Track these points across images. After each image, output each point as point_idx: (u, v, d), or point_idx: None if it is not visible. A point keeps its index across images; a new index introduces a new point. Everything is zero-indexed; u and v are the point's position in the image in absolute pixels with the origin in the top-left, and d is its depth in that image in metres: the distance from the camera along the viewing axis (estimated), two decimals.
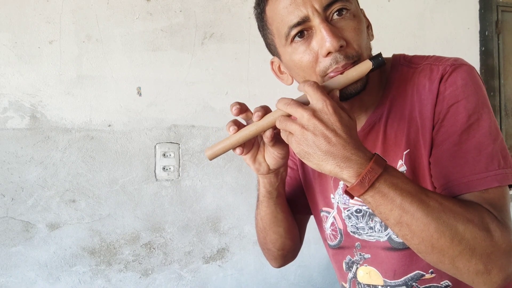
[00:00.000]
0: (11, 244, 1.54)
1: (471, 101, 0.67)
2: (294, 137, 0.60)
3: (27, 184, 1.55)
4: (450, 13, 2.08)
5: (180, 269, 1.71)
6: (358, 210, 0.79)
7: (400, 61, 0.77)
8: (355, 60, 0.68)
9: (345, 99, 0.70)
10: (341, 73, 0.66)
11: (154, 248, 1.68)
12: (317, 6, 0.66)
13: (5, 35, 1.54)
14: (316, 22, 0.67)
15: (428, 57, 0.75)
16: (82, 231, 1.60)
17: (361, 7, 0.77)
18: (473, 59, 2.11)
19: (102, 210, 1.62)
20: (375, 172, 0.56)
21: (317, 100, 0.59)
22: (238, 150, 0.70)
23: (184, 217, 1.71)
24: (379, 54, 0.66)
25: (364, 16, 0.77)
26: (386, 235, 0.76)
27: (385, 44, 1.91)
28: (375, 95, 0.77)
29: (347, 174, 0.57)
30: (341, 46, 0.66)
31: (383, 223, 0.75)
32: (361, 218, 0.79)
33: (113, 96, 1.64)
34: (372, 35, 0.77)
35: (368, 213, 0.78)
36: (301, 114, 0.58)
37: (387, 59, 0.79)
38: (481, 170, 0.63)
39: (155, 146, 1.68)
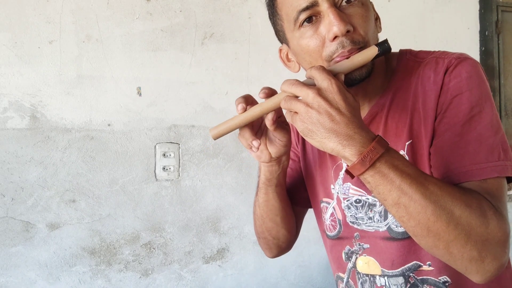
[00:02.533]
0: (11, 244, 1.54)
1: (474, 93, 0.67)
2: (298, 116, 0.60)
3: (27, 184, 1.55)
4: (450, 13, 2.08)
5: (180, 269, 1.71)
6: (357, 200, 0.80)
7: (406, 55, 0.79)
8: (361, 46, 0.69)
9: (349, 85, 0.70)
10: (347, 58, 0.67)
11: (154, 248, 1.68)
12: None
13: (5, 35, 1.54)
14: (325, 6, 0.68)
15: (434, 52, 0.76)
16: (82, 231, 1.60)
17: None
18: None
19: (102, 210, 1.62)
20: (377, 151, 0.57)
21: (322, 80, 0.60)
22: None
23: (184, 217, 1.71)
24: (385, 40, 0.66)
25: (373, 9, 0.78)
26: (385, 225, 0.77)
27: None
28: (379, 85, 0.77)
29: (349, 152, 0.58)
30: (348, 31, 0.68)
31: (382, 213, 0.77)
32: (360, 208, 0.79)
33: (113, 96, 1.65)
34: (380, 28, 0.78)
35: (367, 203, 0.78)
36: (306, 93, 0.59)
37: (393, 53, 0.80)
38: (481, 160, 0.64)
39: (155, 146, 1.68)
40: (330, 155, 0.84)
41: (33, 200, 1.56)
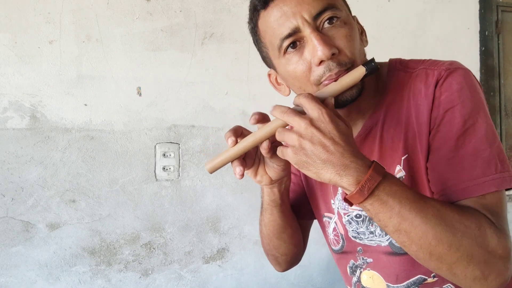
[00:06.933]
0: (11, 244, 1.54)
1: (466, 106, 0.66)
2: (290, 148, 0.60)
3: (27, 184, 1.55)
4: (450, 13, 2.08)
5: (180, 269, 1.71)
6: (358, 215, 0.79)
7: (397, 65, 0.77)
8: (348, 67, 0.68)
9: (342, 106, 0.70)
10: (335, 81, 0.66)
11: (154, 248, 1.68)
12: (306, 17, 0.67)
13: (5, 35, 1.54)
14: (307, 32, 0.67)
15: (424, 61, 0.75)
16: (82, 231, 1.60)
17: (355, 13, 0.77)
18: (473, 59, 2.11)
19: (102, 210, 1.62)
20: (374, 180, 0.56)
21: (312, 110, 0.58)
22: (238, 169, 0.70)
23: (184, 217, 1.71)
24: (372, 60, 0.65)
25: (358, 22, 0.77)
26: (387, 240, 0.76)
27: (385, 44, 1.91)
28: (371, 100, 0.77)
29: (347, 182, 0.57)
30: (333, 54, 0.67)
31: None
32: (361, 223, 0.79)
33: (113, 96, 1.64)
34: (366, 41, 0.77)
35: (368, 218, 0.78)
36: (298, 123, 0.58)
37: (383, 63, 0.79)
38: (478, 175, 0.63)
39: (155, 146, 1.68)
40: None
41: (33, 200, 1.56)
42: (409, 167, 0.71)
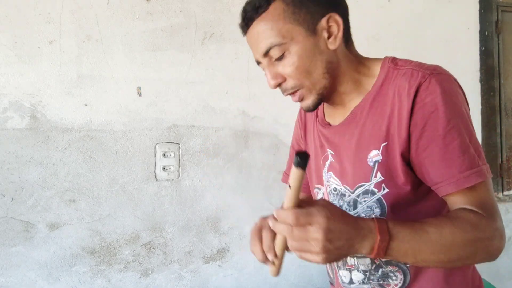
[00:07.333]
0: (11, 244, 1.54)
1: (449, 107, 0.75)
2: (314, 254, 0.65)
3: (27, 184, 1.55)
4: (450, 13, 2.08)
5: (180, 269, 1.71)
6: (334, 189, 0.90)
7: (388, 62, 0.85)
8: (295, 90, 0.82)
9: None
10: (290, 186, 0.74)
11: (154, 248, 1.68)
12: (259, 55, 0.84)
13: (5, 35, 1.54)
14: (264, 64, 0.84)
15: (412, 62, 0.82)
16: (82, 231, 1.60)
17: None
18: (473, 59, 2.11)
19: (102, 210, 1.62)
20: (385, 241, 0.66)
21: (310, 231, 0.64)
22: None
23: (184, 217, 1.71)
24: (297, 155, 0.66)
25: (334, 22, 0.81)
26: (355, 214, 0.86)
27: (385, 44, 1.91)
28: (355, 92, 0.86)
29: (365, 251, 0.67)
30: (280, 83, 0.82)
31: (350, 202, 0.87)
32: (335, 196, 0.90)
33: (113, 96, 1.65)
34: (334, 44, 0.81)
35: (340, 193, 0.89)
36: (315, 236, 0.64)
37: (377, 59, 0.86)
38: (466, 168, 0.73)
39: (155, 146, 1.68)
40: (321, 146, 0.94)
41: (33, 200, 1.56)
42: (387, 153, 0.80)
